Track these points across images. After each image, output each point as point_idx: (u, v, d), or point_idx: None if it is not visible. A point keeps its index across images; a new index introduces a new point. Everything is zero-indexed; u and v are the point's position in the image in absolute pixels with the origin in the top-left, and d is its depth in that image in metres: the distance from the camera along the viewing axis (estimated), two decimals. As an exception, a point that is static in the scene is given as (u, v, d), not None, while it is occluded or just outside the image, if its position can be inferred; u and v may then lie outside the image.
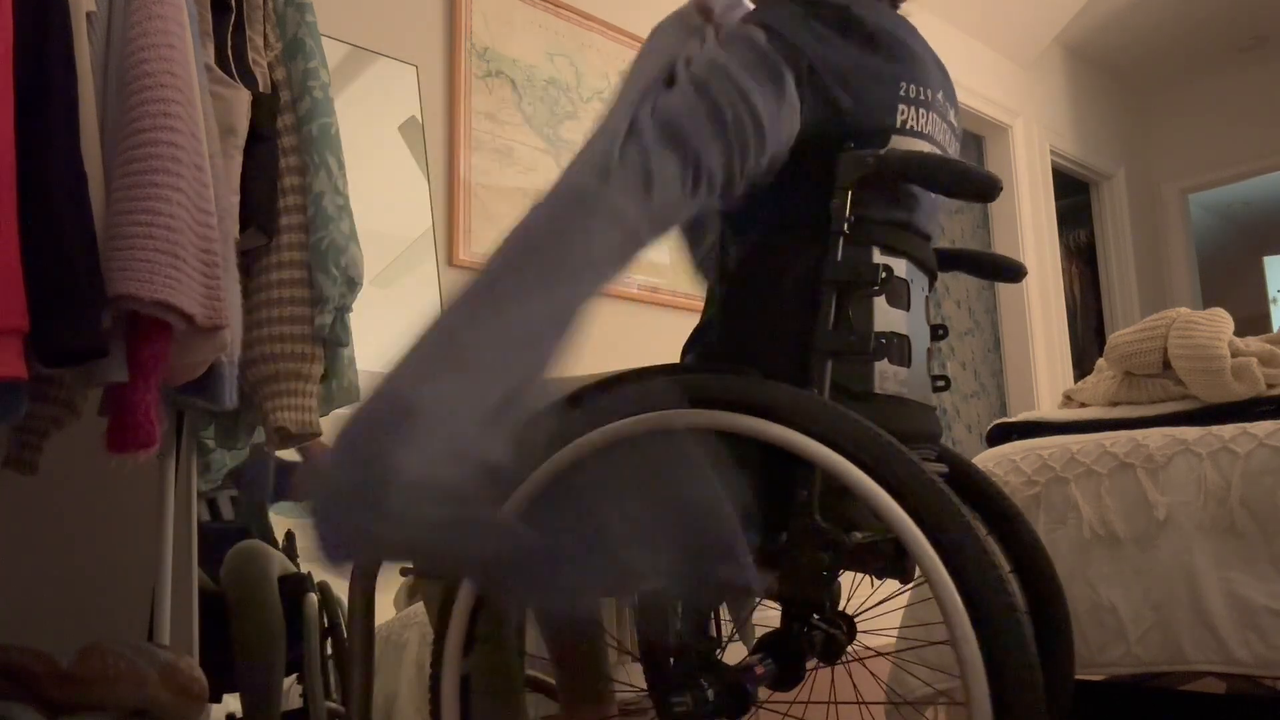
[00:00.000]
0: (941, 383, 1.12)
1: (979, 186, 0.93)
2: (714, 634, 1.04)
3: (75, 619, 1.56)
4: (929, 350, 1.08)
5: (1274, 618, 1.32)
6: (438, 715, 0.97)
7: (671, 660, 1.00)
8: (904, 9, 1.12)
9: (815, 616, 1.10)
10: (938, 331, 1.11)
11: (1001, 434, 1.78)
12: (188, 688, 1.19)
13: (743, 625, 1.13)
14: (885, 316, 0.98)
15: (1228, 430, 1.44)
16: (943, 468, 1.12)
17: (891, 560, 1.05)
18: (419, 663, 1.77)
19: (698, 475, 0.84)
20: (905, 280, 1.02)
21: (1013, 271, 1.19)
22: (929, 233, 1.09)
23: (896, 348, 0.99)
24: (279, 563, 1.71)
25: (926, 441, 1.07)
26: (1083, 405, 1.79)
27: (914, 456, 0.82)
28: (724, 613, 1.17)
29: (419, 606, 1.87)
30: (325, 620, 1.69)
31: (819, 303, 0.93)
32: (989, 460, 1.67)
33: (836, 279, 0.93)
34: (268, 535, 1.82)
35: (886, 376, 0.98)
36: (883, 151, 0.94)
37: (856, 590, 1.15)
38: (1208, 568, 1.39)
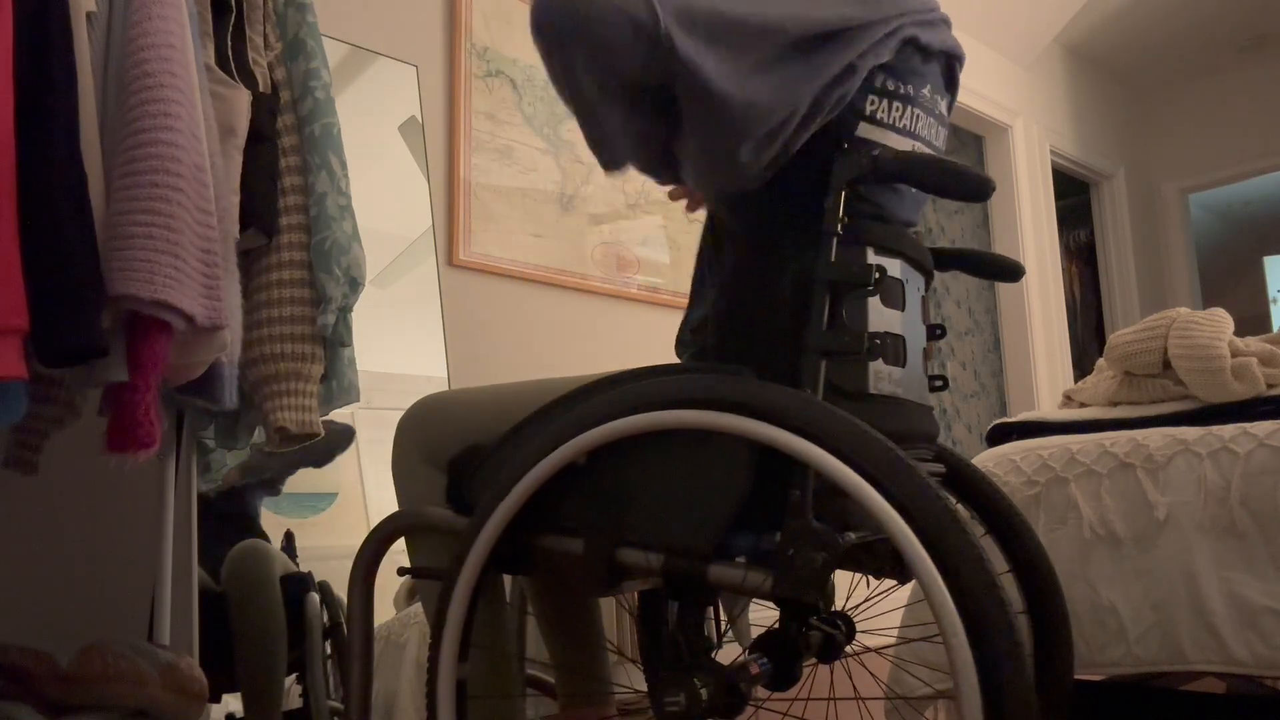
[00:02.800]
0: (940, 382, 1.13)
1: (973, 187, 0.93)
2: (709, 634, 1.04)
3: (75, 619, 1.56)
4: (926, 350, 1.08)
5: (1274, 618, 1.32)
6: (434, 710, 0.97)
7: (666, 660, 1.00)
8: None
9: (814, 617, 1.10)
10: (935, 331, 1.11)
11: (1001, 434, 1.78)
12: (188, 688, 1.19)
13: (736, 624, 1.13)
14: (880, 316, 0.98)
15: (1228, 430, 1.44)
16: (940, 468, 1.12)
17: (889, 560, 1.05)
18: (419, 662, 1.77)
19: None
20: (900, 280, 1.02)
21: (1011, 271, 1.19)
22: (917, 228, 1.10)
23: (891, 348, 1.00)
24: (281, 562, 1.72)
25: (923, 441, 1.07)
26: (1083, 405, 1.79)
27: (905, 456, 0.83)
28: (720, 612, 1.17)
29: (419, 607, 1.87)
30: (327, 620, 1.70)
31: (812, 303, 0.94)
32: (989, 460, 1.67)
33: (830, 279, 0.93)
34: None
35: (881, 376, 0.98)
36: (876, 152, 0.95)
37: (855, 589, 1.15)
38: (1208, 568, 1.39)
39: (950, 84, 1.11)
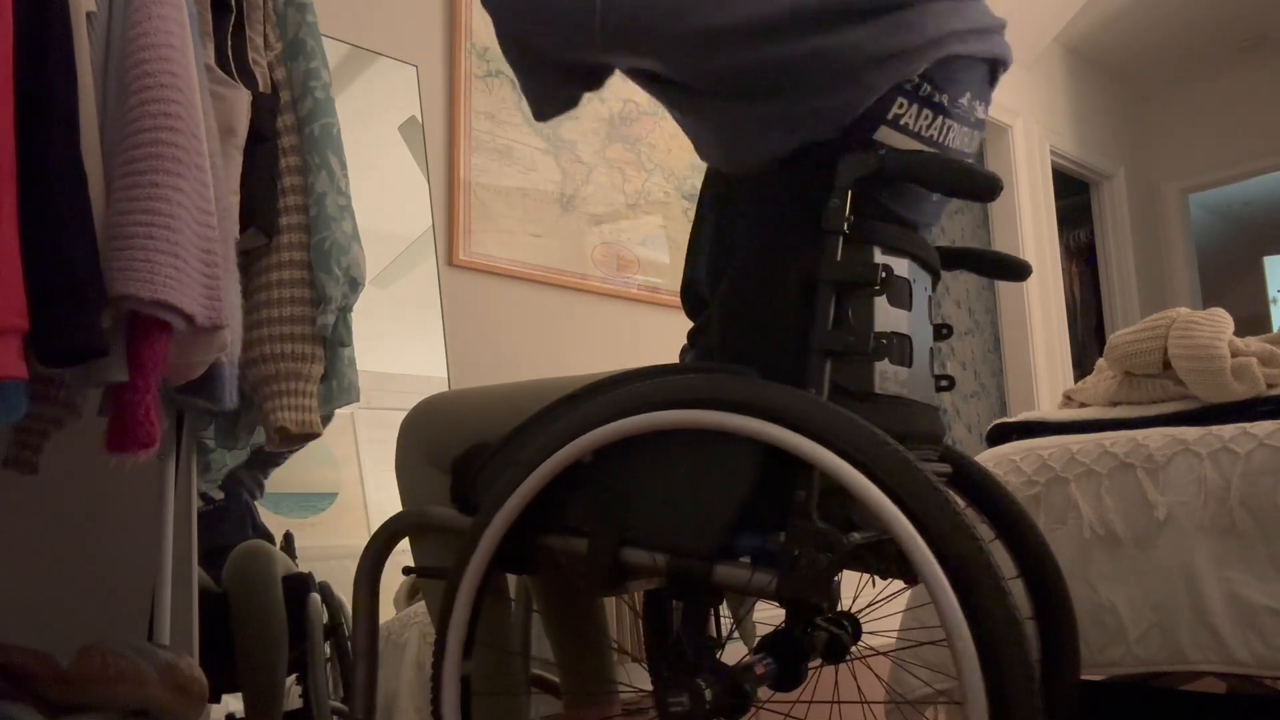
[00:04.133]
0: (945, 382, 1.12)
1: (982, 186, 0.92)
2: (714, 633, 1.04)
3: (75, 619, 1.56)
4: (931, 350, 1.08)
5: (1274, 618, 1.32)
6: (439, 717, 0.98)
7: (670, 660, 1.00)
8: None
9: (820, 617, 1.10)
10: (942, 331, 1.11)
11: (1001, 434, 1.78)
12: (188, 688, 1.19)
13: (742, 624, 1.13)
14: (886, 316, 0.98)
15: (1228, 430, 1.44)
16: (946, 468, 1.12)
17: (896, 560, 1.05)
18: (419, 662, 1.77)
19: None
20: (907, 280, 1.01)
21: (1017, 270, 1.19)
22: (932, 230, 1.09)
23: (897, 348, 0.99)
24: (282, 563, 1.72)
25: (929, 442, 1.07)
26: (1083, 405, 1.79)
27: (910, 456, 0.82)
28: (724, 611, 1.17)
29: (419, 606, 1.87)
30: (327, 620, 1.70)
31: (818, 302, 0.93)
32: (989, 460, 1.66)
33: (835, 279, 0.93)
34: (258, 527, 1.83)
35: (887, 377, 0.98)
36: (883, 152, 0.94)
37: (862, 590, 1.15)
38: (1208, 568, 1.39)
39: (990, 84, 1.08)
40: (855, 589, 1.16)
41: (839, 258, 0.93)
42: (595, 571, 0.94)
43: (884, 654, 1.17)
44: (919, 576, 0.79)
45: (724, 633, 1.10)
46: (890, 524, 0.80)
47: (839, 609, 1.12)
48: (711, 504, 0.89)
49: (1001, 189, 0.92)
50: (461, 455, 1.11)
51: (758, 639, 1.05)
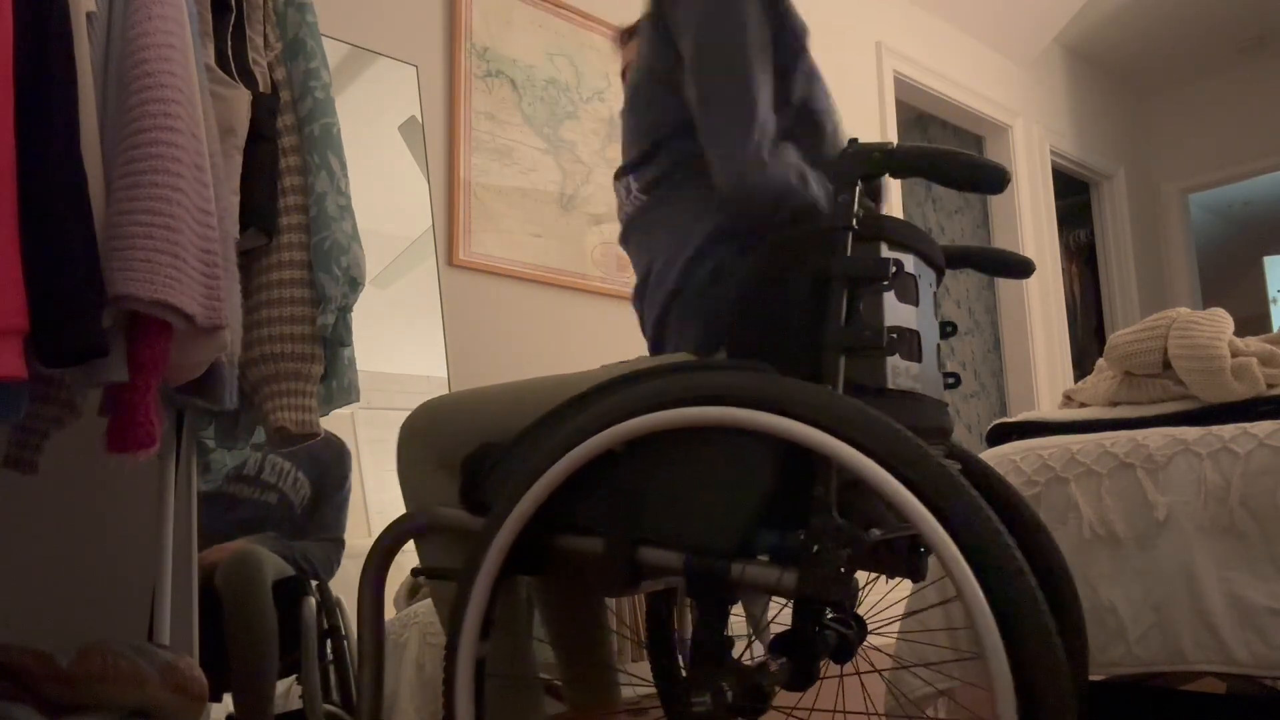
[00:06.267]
0: (952, 379, 1.12)
1: (989, 178, 0.92)
2: (730, 633, 1.04)
3: (75, 619, 1.56)
4: (938, 345, 1.08)
5: (1274, 618, 1.32)
6: (452, 699, 0.96)
7: (686, 660, 1.00)
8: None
9: (829, 616, 1.09)
10: (946, 328, 1.11)
11: (1001, 434, 1.78)
12: (187, 688, 1.19)
13: (759, 624, 1.12)
14: (895, 312, 0.98)
15: (1228, 430, 1.44)
16: (955, 465, 1.12)
17: (903, 559, 1.05)
18: (419, 663, 1.77)
19: None
20: (913, 275, 1.02)
21: (1020, 267, 1.18)
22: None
23: (907, 343, 0.99)
24: (274, 567, 1.71)
25: (938, 437, 1.07)
26: (1083, 405, 1.79)
27: (934, 452, 0.82)
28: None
29: (419, 606, 1.87)
30: (324, 623, 1.69)
31: (830, 298, 0.93)
32: (989, 460, 1.67)
33: (847, 274, 0.93)
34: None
35: (899, 372, 0.97)
36: (891, 146, 0.94)
37: (867, 590, 1.14)
38: (1208, 568, 1.39)
39: None
40: (863, 590, 1.16)
41: (849, 253, 0.93)
42: (612, 571, 0.93)
43: (906, 665, 1.17)
44: (946, 570, 0.78)
45: (739, 632, 1.09)
46: (911, 515, 0.79)
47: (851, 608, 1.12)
48: (731, 501, 0.88)
49: (1009, 180, 0.92)
50: (470, 455, 1.10)
51: (771, 639, 1.05)
